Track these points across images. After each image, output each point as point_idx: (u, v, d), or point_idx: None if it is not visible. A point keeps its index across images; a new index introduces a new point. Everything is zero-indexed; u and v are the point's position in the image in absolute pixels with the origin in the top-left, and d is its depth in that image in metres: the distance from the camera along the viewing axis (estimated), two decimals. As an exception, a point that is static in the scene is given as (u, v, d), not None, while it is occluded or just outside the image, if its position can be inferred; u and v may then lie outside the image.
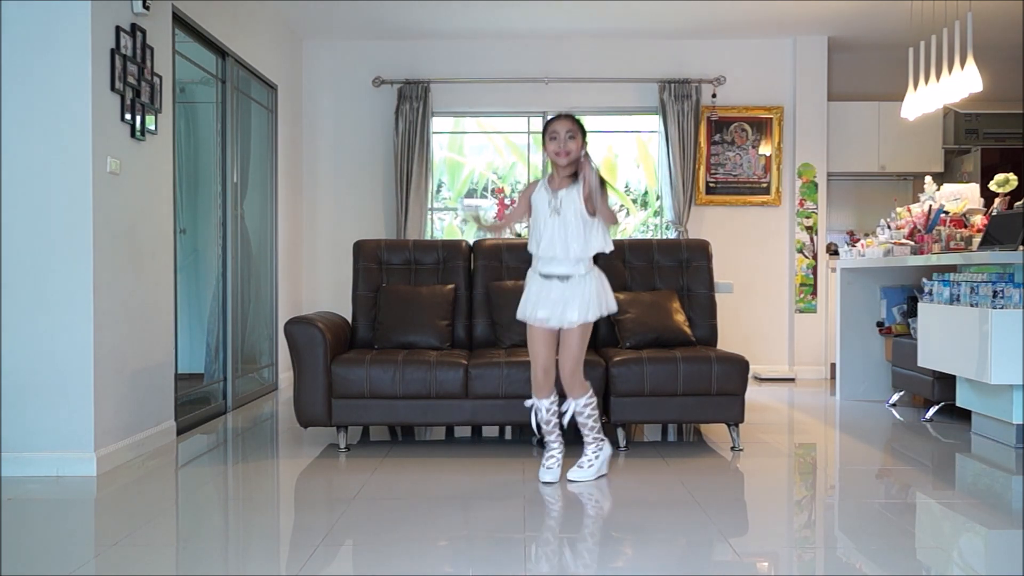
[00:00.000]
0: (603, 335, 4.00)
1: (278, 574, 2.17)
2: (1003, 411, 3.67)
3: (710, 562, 2.28)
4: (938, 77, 4.76)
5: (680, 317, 3.92)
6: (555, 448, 3.13)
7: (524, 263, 3.32)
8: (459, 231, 6.56)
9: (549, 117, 3.18)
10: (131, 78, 3.43)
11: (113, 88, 3.30)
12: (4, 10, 3.11)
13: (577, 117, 3.02)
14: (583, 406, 3.10)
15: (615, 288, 4.05)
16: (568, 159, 2.96)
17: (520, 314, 3.09)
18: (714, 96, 6.08)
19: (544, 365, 3.08)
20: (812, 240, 6.12)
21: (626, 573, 2.18)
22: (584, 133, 3.00)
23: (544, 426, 3.13)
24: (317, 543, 2.36)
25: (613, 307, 3.09)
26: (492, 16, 5.56)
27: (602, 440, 3.16)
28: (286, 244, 5.68)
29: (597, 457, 3.13)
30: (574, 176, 2.99)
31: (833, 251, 6.13)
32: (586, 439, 3.14)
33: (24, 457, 3.14)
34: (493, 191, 6.65)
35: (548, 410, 3.12)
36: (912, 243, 4.54)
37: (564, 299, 2.98)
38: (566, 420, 3.11)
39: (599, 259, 3.16)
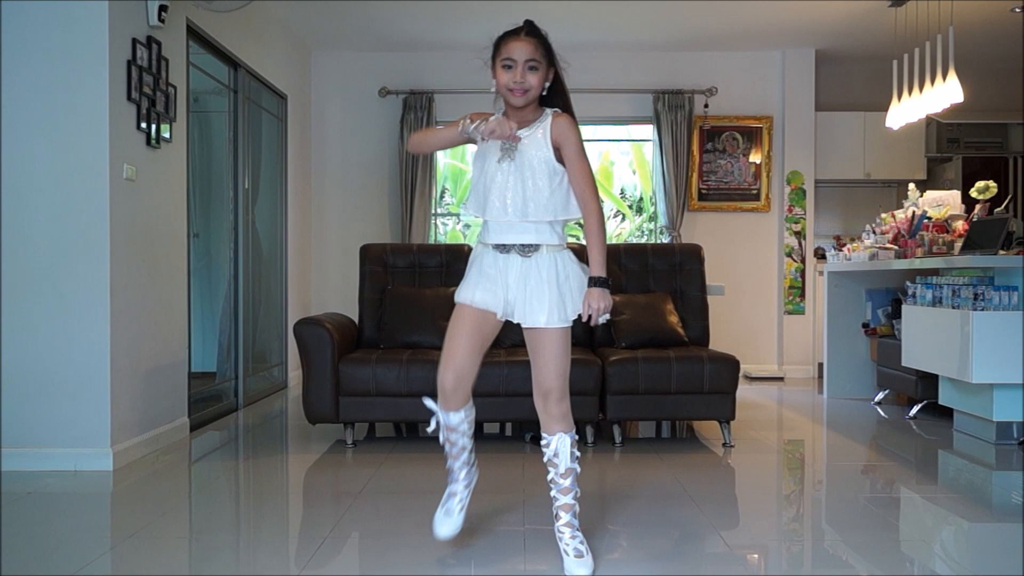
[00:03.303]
0: (600, 335, 4.07)
1: (287, 565, 2.18)
2: (983, 409, 3.73)
3: (702, 554, 2.30)
4: (921, 89, 4.84)
5: (673, 318, 3.98)
6: (462, 482, 2.22)
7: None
8: (454, 230, 6.64)
9: (505, 30, 2.11)
10: (147, 88, 3.47)
11: (129, 98, 3.33)
12: (25, 23, 3.16)
13: (544, 32, 2.09)
14: (571, 445, 2.11)
15: (611, 290, 4.15)
16: (526, 98, 2.05)
17: (459, 294, 2.14)
18: (706, 106, 6.16)
19: (461, 366, 2.10)
20: (800, 244, 6.19)
21: (622, 565, 2.20)
22: (552, 58, 2.07)
23: (448, 448, 2.20)
24: (325, 535, 2.39)
25: (576, 310, 2.09)
26: (493, 29, 5.60)
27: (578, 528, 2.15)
28: (295, 248, 5.73)
29: (583, 544, 2.12)
30: (540, 107, 2.12)
31: (820, 255, 6.19)
32: (562, 518, 2.12)
33: (43, 452, 3.17)
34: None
35: (454, 427, 2.17)
36: (896, 247, 4.58)
37: (528, 285, 2.06)
38: (559, 472, 2.10)
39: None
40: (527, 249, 2.08)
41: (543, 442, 2.15)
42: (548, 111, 2.13)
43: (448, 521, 2.20)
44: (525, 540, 2.38)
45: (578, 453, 2.15)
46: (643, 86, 6.19)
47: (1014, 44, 5.73)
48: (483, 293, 2.09)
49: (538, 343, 2.10)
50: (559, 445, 2.10)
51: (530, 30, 2.08)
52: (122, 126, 3.31)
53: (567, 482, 2.12)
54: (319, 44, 6.08)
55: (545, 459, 2.15)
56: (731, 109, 6.23)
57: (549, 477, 2.16)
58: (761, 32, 5.79)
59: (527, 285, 2.07)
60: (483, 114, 2.11)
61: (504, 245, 2.09)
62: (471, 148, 6.99)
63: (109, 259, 3.22)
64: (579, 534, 2.15)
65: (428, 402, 2.21)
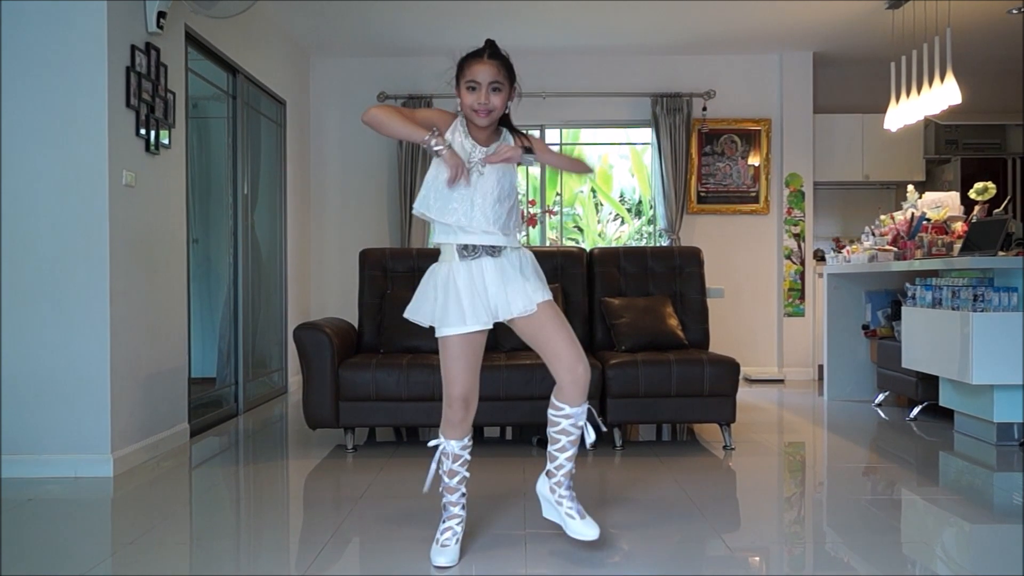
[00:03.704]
0: (599, 339, 4.11)
1: (288, 570, 2.19)
2: (984, 410, 3.74)
3: (704, 557, 2.31)
4: (919, 90, 4.86)
5: (673, 321, 3.99)
6: (457, 518, 2.27)
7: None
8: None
9: (468, 52, 2.18)
10: (146, 95, 3.48)
11: (128, 104, 3.35)
12: (24, 30, 3.18)
13: (505, 52, 2.18)
14: (584, 413, 2.22)
15: (611, 293, 4.20)
16: (490, 119, 2.15)
17: (444, 328, 2.15)
18: (704, 109, 6.19)
19: (468, 389, 2.19)
20: (799, 247, 6.22)
21: (623, 568, 2.21)
22: (513, 79, 2.18)
23: (448, 480, 2.24)
24: (325, 541, 2.40)
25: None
26: (491, 33, 5.61)
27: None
28: (295, 253, 5.75)
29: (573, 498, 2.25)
30: (502, 128, 2.24)
31: (820, 257, 6.22)
32: (563, 483, 2.24)
33: (44, 459, 3.18)
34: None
35: (459, 455, 2.24)
36: (895, 249, 4.60)
37: (506, 277, 2.17)
38: (575, 441, 2.23)
39: None
40: (494, 250, 2.17)
41: (564, 412, 2.19)
42: (507, 132, 2.25)
43: (446, 551, 2.23)
44: (526, 544, 2.39)
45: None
46: (641, 89, 6.21)
47: (1011, 46, 5.75)
48: (472, 320, 2.14)
49: (540, 322, 2.17)
50: (587, 416, 2.21)
51: (492, 52, 2.16)
52: (121, 132, 3.33)
53: (576, 449, 2.24)
54: (318, 49, 6.11)
55: (559, 429, 2.21)
56: (729, 112, 6.26)
57: (559, 446, 2.22)
58: (759, 35, 5.82)
59: (505, 278, 2.16)
60: (446, 116, 2.20)
61: (474, 247, 2.15)
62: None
63: (109, 265, 3.23)
64: (575, 499, 2.24)
65: (432, 442, 2.28)
